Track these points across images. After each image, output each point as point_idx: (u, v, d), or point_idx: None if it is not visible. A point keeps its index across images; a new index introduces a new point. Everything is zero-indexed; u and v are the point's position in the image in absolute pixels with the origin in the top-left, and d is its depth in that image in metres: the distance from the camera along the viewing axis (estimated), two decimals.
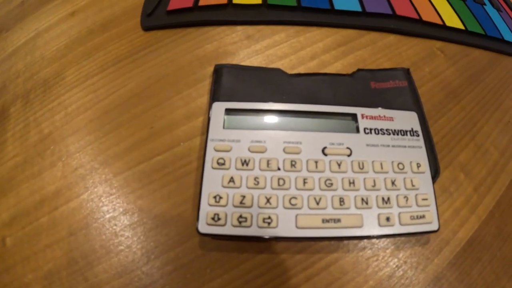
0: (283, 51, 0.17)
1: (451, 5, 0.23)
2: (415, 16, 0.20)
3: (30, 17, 0.26)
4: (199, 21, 0.18)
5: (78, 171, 0.15)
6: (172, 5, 0.18)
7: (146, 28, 0.18)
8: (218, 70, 0.15)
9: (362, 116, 0.13)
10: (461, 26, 0.21)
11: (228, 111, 0.13)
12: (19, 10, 0.27)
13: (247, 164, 0.12)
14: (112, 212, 0.13)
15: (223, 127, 0.13)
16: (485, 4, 0.25)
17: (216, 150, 0.12)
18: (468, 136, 0.17)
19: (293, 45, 0.17)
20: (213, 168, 0.12)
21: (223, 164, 0.12)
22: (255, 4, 0.17)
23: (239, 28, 0.18)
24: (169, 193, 0.13)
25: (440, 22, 0.21)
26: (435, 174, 0.14)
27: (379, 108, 0.14)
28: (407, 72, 0.16)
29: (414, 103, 0.15)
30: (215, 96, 0.14)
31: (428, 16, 0.21)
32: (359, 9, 0.19)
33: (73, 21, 0.23)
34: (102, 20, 0.22)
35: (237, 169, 0.12)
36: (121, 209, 0.13)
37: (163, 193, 0.13)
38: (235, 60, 0.16)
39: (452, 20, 0.21)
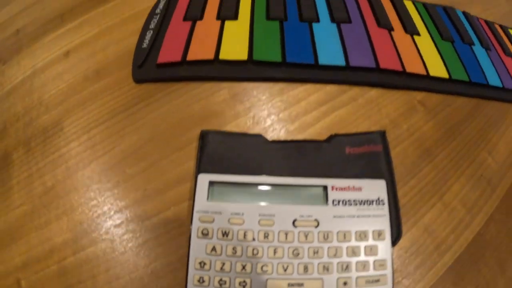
0: (267, 111, 0.18)
1: (438, 49, 0.23)
2: (399, 68, 0.21)
3: (26, 51, 0.27)
4: (187, 76, 0.19)
5: (82, 226, 0.17)
6: (161, 58, 0.20)
7: (137, 81, 0.20)
8: (204, 137, 0.17)
9: (332, 188, 0.16)
10: (445, 75, 0.22)
11: (212, 183, 0.15)
12: (14, 40, 0.29)
13: (227, 235, 0.15)
14: (113, 268, 0.16)
15: (207, 199, 0.15)
16: (474, 44, 0.26)
17: (201, 221, 0.15)
18: (436, 195, 0.18)
19: (277, 104, 0.19)
20: (198, 237, 0.15)
21: (207, 234, 0.15)
22: (241, 60, 0.19)
23: (225, 84, 0.19)
24: (163, 251, 0.16)
25: (424, 72, 0.22)
26: (396, 237, 0.16)
27: (349, 179, 0.16)
28: (382, 135, 0.18)
29: (386, 169, 0.17)
30: (200, 167, 0.16)
31: (412, 66, 0.21)
32: (343, 63, 0.20)
33: (68, 63, 0.25)
34: (96, 66, 0.23)
35: (218, 239, 0.15)
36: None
37: (158, 251, 0.16)
38: (221, 121, 0.18)
39: (437, 69, 0.22)
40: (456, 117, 0.22)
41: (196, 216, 0.15)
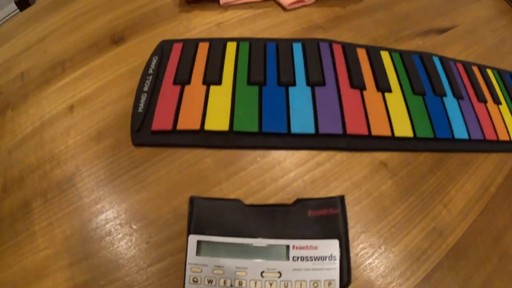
0: (245, 178, 0.23)
1: (407, 106, 0.27)
2: (365, 132, 0.25)
3: (32, 100, 0.30)
4: (178, 143, 0.24)
5: (100, 269, 0.23)
6: (155, 126, 0.24)
7: (136, 145, 0.25)
8: (193, 202, 0.22)
9: (293, 247, 0.20)
10: (410, 134, 0.26)
11: (199, 242, 0.21)
12: (21, 84, 0.33)
13: (211, 282, 0.20)
14: None
15: (196, 254, 0.21)
16: (445, 95, 0.29)
17: (192, 271, 0.20)
18: (387, 247, 0.23)
19: (254, 171, 0.23)
20: (190, 283, 0.20)
21: (197, 281, 0.20)
22: (223, 131, 0.24)
23: (209, 152, 0.24)
24: None
25: (389, 134, 0.26)
26: (346, 285, 0.21)
27: (308, 240, 0.20)
28: (342, 199, 0.22)
29: (342, 229, 0.21)
30: (190, 228, 0.21)
31: (378, 129, 0.25)
32: (313, 131, 0.24)
33: (72, 118, 0.29)
34: (97, 126, 0.27)
35: (205, 285, 0.20)
36: None
37: None
38: (206, 185, 0.23)
39: (403, 129, 0.26)
40: (417, 174, 0.26)
41: (188, 267, 0.20)
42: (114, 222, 0.23)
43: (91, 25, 0.35)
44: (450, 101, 0.29)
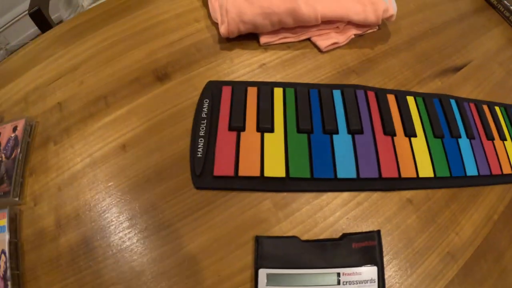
0: (301, 217, 0.29)
1: (429, 148, 0.33)
2: (396, 175, 0.31)
3: (76, 134, 0.32)
4: (239, 188, 0.30)
5: None
6: (217, 172, 0.28)
7: (198, 188, 0.30)
8: (258, 240, 0.28)
9: (343, 274, 0.27)
10: (431, 174, 0.32)
11: (268, 275, 0.27)
12: (59, 117, 0.33)
13: None
14: None
15: (266, 285, 0.27)
16: (460, 137, 0.36)
17: None
18: (411, 270, 0.29)
19: (307, 212, 0.30)
20: None
21: None
22: (280, 177, 0.29)
23: (268, 195, 0.29)
24: None
25: (415, 175, 0.32)
26: None
27: (354, 267, 0.27)
28: (378, 233, 0.28)
29: (378, 258, 0.28)
30: (258, 263, 0.27)
31: (406, 171, 0.31)
32: (355, 176, 0.30)
33: (126, 158, 0.30)
34: (155, 167, 0.30)
35: None
36: None
37: None
38: (268, 225, 0.29)
39: (425, 170, 0.32)
40: (435, 208, 0.33)
41: None
42: (181, 260, 0.28)
43: (130, 57, 0.38)
44: (464, 142, 0.36)
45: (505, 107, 0.43)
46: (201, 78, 0.36)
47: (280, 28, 0.36)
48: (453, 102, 0.38)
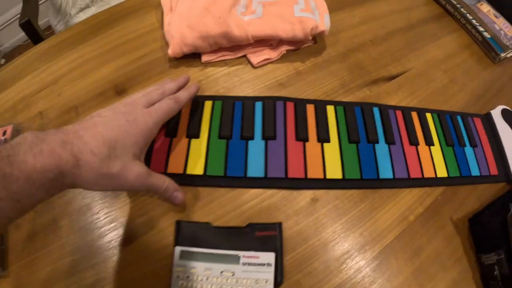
0: (215, 207, 0.35)
1: (341, 152, 0.38)
2: (302, 175, 0.35)
3: None
4: None
5: None
6: (151, 168, 0.36)
7: None
8: (178, 223, 0.34)
9: (243, 256, 0.33)
10: (339, 176, 0.37)
11: (181, 251, 0.34)
12: (40, 123, 0.39)
13: (188, 277, 0.33)
14: None
15: (179, 259, 0.33)
16: (377, 142, 0.39)
17: (176, 270, 0.34)
18: (316, 258, 0.35)
19: (221, 203, 0.36)
20: (175, 278, 0.33)
21: (179, 277, 0.33)
22: (199, 174, 0.35)
23: (190, 188, 0.35)
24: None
25: (321, 176, 0.36)
26: (279, 284, 0.34)
27: (254, 251, 0.32)
28: (279, 225, 0.33)
29: (278, 245, 0.33)
30: (177, 242, 0.34)
31: (313, 172, 0.36)
32: (263, 175, 0.35)
33: None
34: None
35: (184, 279, 0.33)
36: None
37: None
38: (188, 212, 0.36)
39: (334, 172, 0.37)
40: (343, 207, 0.36)
41: (174, 268, 0.33)
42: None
43: (99, 73, 0.44)
44: (381, 147, 0.40)
45: (438, 113, 0.45)
46: None
47: (218, 48, 0.43)
48: (376, 110, 0.42)
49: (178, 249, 0.33)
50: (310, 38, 0.43)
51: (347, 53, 0.46)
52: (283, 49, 0.43)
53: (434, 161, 0.42)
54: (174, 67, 0.44)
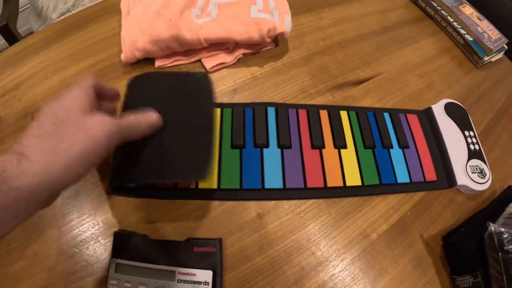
0: (155, 220, 0.34)
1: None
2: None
3: (7, 143, 0.42)
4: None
5: None
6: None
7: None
8: (115, 235, 0.33)
9: (179, 272, 0.30)
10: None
11: (117, 264, 0.31)
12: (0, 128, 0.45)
13: None
14: None
15: (115, 272, 0.31)
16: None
17: (111, 284, 0.31)
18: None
19: (162, 215, 0.34)
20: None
21: None
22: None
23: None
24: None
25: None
26: None
27: (191, 268, 0.30)
28: (219, 241, 0.32)
29: (217, 263, 0.31)
30: (112, 253, 0.31)
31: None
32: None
33: None
34: None
35: None
36: None
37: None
38: (126, 224, 0.35)
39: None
40: (291, 224, 0.35)
41: (109, 280, 0.31)
42: None
43: (57, 78, 0.44)
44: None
45: (356, 111, 0.42)
46: None
47: (171, 52, 0.41)
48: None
49: (114, 261, 0.31)
50: (269, 40, 0.41)
51: (310, 57, 0.45)
52: (239, 53, 0.42)
53: (344, 167, 0.38)
54: (127, 73, 0.43)
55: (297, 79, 0.42)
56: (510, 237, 0.36)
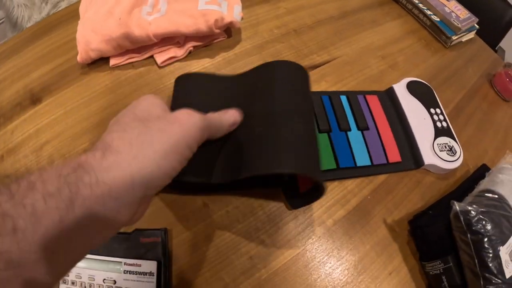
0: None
1: None
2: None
3: None
4: None
5: None
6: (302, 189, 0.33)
7: None
8: None
9: (125, 264, 0.30)
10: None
11: None
12: None
13: (74, 284, 0.30)
14: None
15: None
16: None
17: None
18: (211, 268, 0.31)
19: None
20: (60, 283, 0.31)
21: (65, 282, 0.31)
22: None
23: None
24: None
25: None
26: None
27: (136, 259, 0.29)
28: (164, 231, 0.31)
29: (160, 253, 0.30)
30: None
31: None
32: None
33: (6, 168, 0.43)
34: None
35: (70, 285, 0.31)
36: None
37: None
38: None
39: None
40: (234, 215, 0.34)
41: None
42: None
43: (21, 83, 0.45)
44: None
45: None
46: (65, 99, 0.42)
47: (125, 50, 0.42)
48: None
49: None
50: (218, 31, 0.42)
51: (264, 45, 0.44)
52: (189, 45, 0.42)
53: None
54: (84, 73, 0.44)
55: (249, 67, 0.41)
56: (478, 216, 0.34)
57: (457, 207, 0.34)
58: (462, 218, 0.34)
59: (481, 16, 0.53)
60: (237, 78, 0.35)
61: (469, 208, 0.33)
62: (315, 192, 0.30)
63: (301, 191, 0.33)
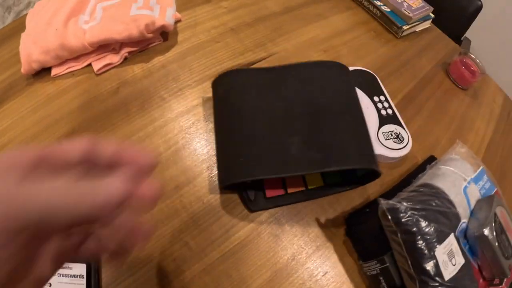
0: None
1: None
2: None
3: None
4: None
5: None
6: (269, 194, 0.34)
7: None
8: None
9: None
10: None
11: None
12: None
13: None
14: None
15: None
16: None
17: None
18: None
19: None
20: None
21: None
22: (319, 186, 0.35)
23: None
24: None
25: None
26: None
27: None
28: None
29: None
30: None
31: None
32: None
33: None
34: None
35: None
36: None
37: None
38: None
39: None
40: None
41: None
42: None
43: None
44: None
45: None
46: (11, 110, 0.43)
47: (64, 60, 0.43)
48: None
49: None
50: (150, 35, 0.42)
51: (199, 46, 0.45)
52: (124, 51, 0.43)
53: None
54: (29, 84, 0.45)
55: (184, 69, 0.41)
56: (408, 212, 0.31)
57: (384, 205, 0.31)
58: (390, 217, 0.31)
59: (446, 6, 0.51)
60: (282, 69, 0.37)
61: (398, 205, 0.31)
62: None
63: (268, 196, 0.35)
